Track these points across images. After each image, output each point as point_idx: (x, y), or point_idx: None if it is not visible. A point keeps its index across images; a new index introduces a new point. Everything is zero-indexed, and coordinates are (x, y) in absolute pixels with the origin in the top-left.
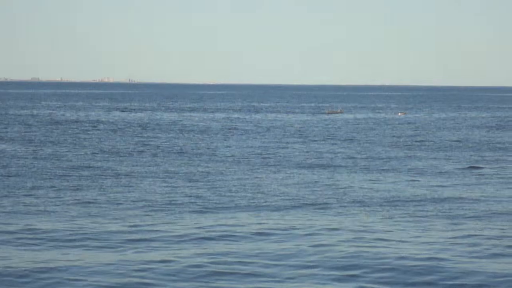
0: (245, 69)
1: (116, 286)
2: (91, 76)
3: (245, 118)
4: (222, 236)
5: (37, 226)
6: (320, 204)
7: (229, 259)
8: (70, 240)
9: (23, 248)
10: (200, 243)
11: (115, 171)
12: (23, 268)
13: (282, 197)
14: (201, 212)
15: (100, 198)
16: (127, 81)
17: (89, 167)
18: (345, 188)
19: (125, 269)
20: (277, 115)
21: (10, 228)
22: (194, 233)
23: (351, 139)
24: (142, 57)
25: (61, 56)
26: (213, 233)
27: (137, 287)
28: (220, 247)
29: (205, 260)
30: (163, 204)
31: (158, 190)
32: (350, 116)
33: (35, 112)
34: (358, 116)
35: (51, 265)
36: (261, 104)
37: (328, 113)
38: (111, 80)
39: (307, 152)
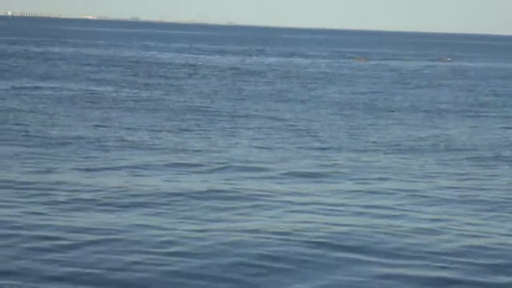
0: (344, 13)
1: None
2: (189, 16)
3: (344, 64)
4: (315, 175)
5: (137, 161)
6: (417, 149)
7: (316, 198)
8: (184, 170)
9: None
10: (293, 179)
11: (217, 115)
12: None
13: (380, 141)
14: (299, 152)
15: (200, 142)
16: (226, 23)
17: (192, 109)
18: (445, 134)
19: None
20: (379, 61)
21: (116, 164)
22: (287, 172)
23: (455, 86)
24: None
25: None
26: (307, 172)
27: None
28: (311, 185)
29: (293, 198)
30: (262, 147)
31: (257, 134)
32: (457, 63)
33: (132, 53)
34: (468, 64)
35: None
36: (370, 50)
37: (443, 61)
38: (210, 21)
39: (411, 99)
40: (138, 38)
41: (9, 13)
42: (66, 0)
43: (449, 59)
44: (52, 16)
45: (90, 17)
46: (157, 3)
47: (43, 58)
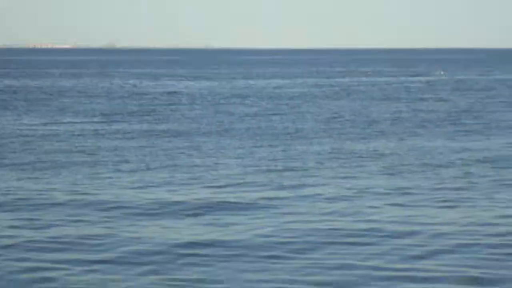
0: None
1: None
2: (169, 42)
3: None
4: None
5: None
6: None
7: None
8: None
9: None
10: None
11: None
12: None
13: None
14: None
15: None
16: (204, 46)
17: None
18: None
19: None
20: (365, 78)
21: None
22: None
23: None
24: (219, 22)
25: (137, 22)
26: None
27: None
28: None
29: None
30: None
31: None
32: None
33: (112, 82)
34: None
35: None
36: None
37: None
38: (189, 45)
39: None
40: (117, 65)
41: None
42: (42, 30)
43: (442, 73)
44: (27, 46)
45: (66, 46)
46: (132, 29)
47: (26, 92)
